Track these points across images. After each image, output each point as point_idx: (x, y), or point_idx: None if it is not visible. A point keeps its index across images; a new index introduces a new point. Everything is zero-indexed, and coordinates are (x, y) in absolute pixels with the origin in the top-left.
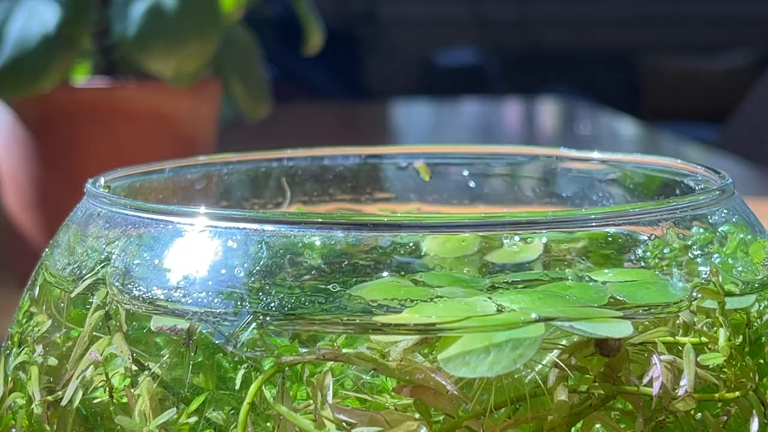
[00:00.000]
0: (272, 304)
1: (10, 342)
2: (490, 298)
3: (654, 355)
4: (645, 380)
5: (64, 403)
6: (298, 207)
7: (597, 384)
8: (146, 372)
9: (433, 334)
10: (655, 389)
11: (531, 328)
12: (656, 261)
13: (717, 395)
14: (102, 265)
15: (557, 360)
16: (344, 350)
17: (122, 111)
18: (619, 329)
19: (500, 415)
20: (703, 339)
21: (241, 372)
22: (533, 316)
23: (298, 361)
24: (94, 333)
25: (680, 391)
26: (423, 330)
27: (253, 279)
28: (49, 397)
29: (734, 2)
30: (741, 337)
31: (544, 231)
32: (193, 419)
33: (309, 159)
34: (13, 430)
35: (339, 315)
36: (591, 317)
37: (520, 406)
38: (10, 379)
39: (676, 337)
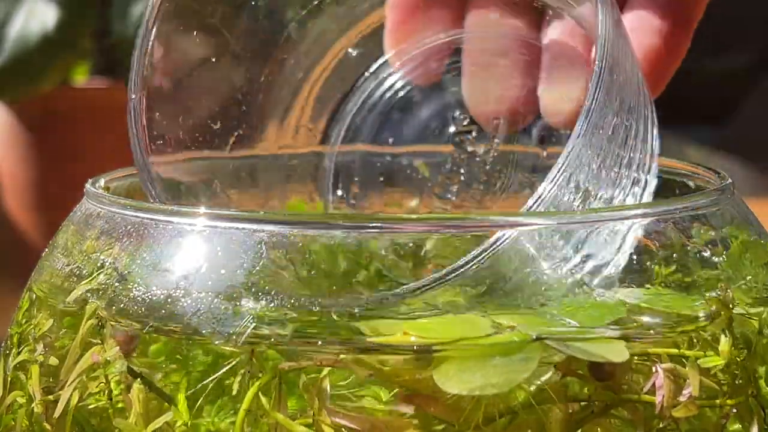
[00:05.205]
0: (272, 305)
1: (9, 342)
2: (486, 313)
3: (656, 364)
4: (646, 388)
5: (58, 413)
6: (298, 200)
7: (598, 392)
8: (139, 379)
9: (427, 354)
10: (658, 397)
11: (527, 349)
12: (656, 264)
13: (718, 401)
14: (101, 265)
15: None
16: (341, 356)
17: (122, 111)
18: (614, 353)
19: (499, 423)
20: (708, 352)
21: (238, 378)
22: (533, 336)
23: (295, 367)
24: (89, 339)
25: (683, 399)
26: (418, 350)
27: (253, 279)
28: (50, 397)
29: (734, 2)
30: (747, 346)
31: (541, 231)
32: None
33: (309, 156)
34: None
35: (333, 334)
36: (588, 338)
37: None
38: (9, 379)
39: (681, 350)
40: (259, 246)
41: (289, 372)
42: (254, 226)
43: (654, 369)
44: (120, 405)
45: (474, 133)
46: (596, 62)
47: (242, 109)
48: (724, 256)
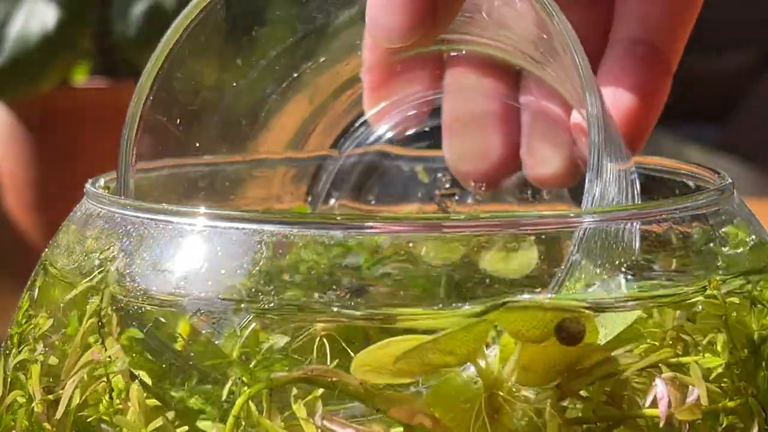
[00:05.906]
0: (272, 305)
1: (9, 342)
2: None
3: (657, 377)
4: (648, 400)
5: (59, 414)
6: (300, 205)
7: (599, 410)
8: (138, 380)
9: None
10: (661, 408)
11: (488, 315)
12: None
13: (720, 404)
14: (100, 265)
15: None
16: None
17: (122, 111)
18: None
19: None
20: (707, 356)
21: (229, 384)
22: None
23: (285, 378)
24: (90, 336)
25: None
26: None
27: (252, 279)
28: (50, 396)
29: (734, 2)
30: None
31: (539, 231)
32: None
33: (312, 158)
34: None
35: (329, 303)
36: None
37: None
38: (9, 379)
39: (680, 358)
40: (259, 246)
41: (282, 382)
42: (254, 226)
43: (656, 382)
44: (120, 404)
45: (456, 197)
46: (589, 173)
47: (225, 184)
48: (723, 256)
